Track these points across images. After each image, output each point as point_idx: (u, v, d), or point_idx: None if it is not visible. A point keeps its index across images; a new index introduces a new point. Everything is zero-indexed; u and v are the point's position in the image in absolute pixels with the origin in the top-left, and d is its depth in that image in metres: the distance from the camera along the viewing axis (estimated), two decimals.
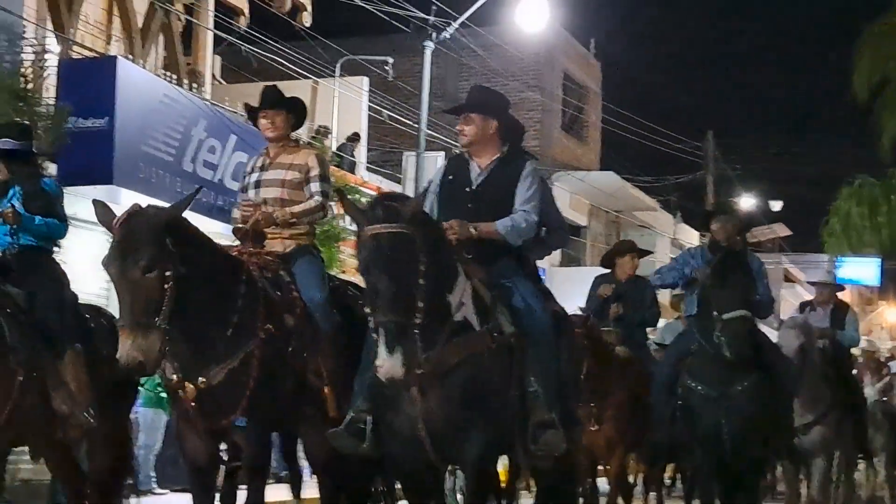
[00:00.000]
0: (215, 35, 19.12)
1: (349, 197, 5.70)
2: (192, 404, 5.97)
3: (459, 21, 20.28)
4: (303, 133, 19.52)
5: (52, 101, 13.63)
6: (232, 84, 20.85)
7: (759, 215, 31.76)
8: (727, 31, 65.97)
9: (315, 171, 6.75)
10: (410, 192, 17.62)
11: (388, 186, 20.02)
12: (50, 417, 6.60)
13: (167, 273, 5.57)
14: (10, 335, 6.41)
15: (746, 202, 30.89)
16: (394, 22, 20.23)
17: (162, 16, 17.59)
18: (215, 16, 18.94)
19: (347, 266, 14.84)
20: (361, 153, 21.20)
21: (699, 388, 8.05)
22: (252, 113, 6.99)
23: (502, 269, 6.03)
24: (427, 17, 20.08)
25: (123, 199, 11.53)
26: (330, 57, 20.97)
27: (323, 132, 19.15)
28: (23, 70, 13.45)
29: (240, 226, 6.70)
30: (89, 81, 14.01)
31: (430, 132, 20.47)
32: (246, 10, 19.31)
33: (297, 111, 6.95)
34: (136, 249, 5.51)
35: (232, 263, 6.22)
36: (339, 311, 6.59)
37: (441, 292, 5.43)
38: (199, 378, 5.91)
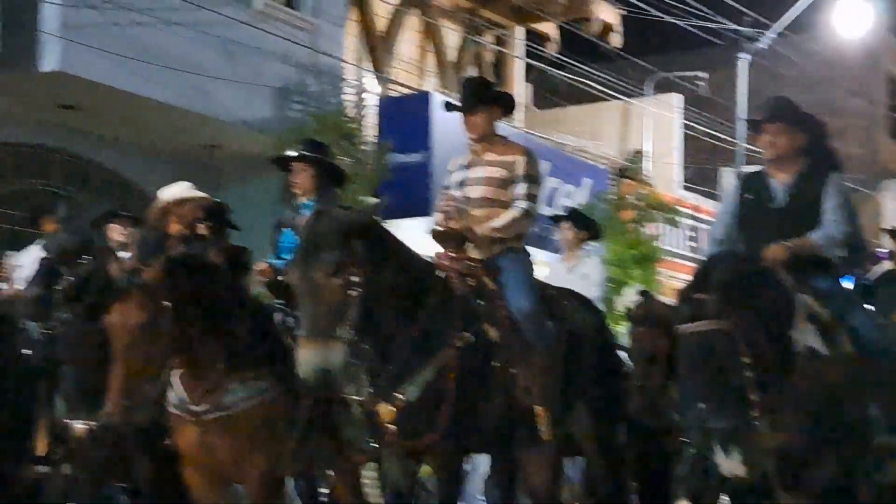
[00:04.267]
0: (526, 63, 19.33)
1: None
2: (390, 426, 5.46)
3: (775, 30, 19.63)
4: (614, 153, 19.51)
5: (372, 139, 14.15)
6: (543, 110, 20.99)
7: None
8: None
9: (521, 171, 6.05)
10: None
11: (706, 204, 19.58)
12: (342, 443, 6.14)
13: (353, 279, 5.13)
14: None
15: None
16: (705, 36, 19.81)
17: (473, 48, 17.95)
18: (525, 44, 19.16)
19: (666, 289, 14.54)
20: (676, 171, 20.84)
21: None
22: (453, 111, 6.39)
23: (825, 286, 5.66)
24: (740, 28, 19.55)
25: None
26: (640, 76, 20.75)
27: (637, 157, 18.97)
28: (345, 110, 14.04)
29: (439, 229, 6.05)
30: (406, 117, 14.45)
31: (748, 146, 19.87)
32: (555, 36, 19.42)
33: (502, 104, 6.25)
34: (320, 252, 5.11)
35: (427, 270, 5.72)
36: (555, 322, 6.07)
37: (773, 368, 5.09)
38: (396, 395, 5.40)
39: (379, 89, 15.76)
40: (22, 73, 11.42)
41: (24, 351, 7.17)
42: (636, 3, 18.60)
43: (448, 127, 14.37)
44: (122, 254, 8.06)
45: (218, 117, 12.67)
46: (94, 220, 8.68)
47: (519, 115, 18.45)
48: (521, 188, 6.02)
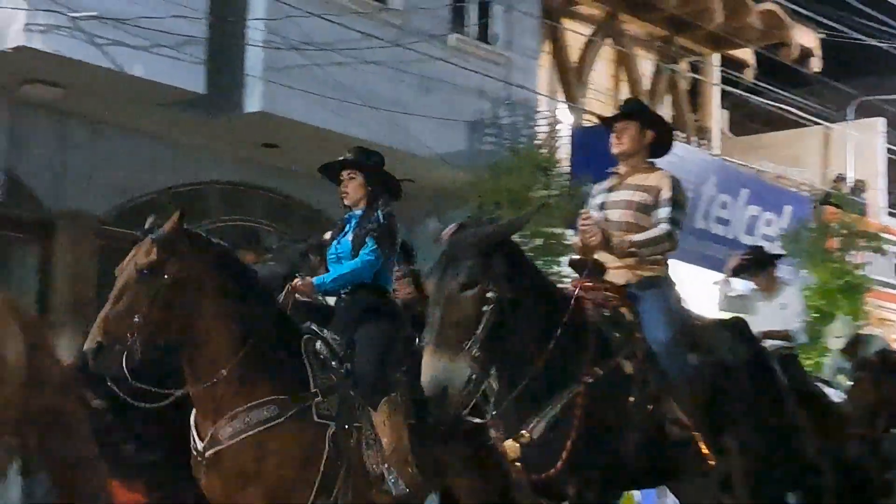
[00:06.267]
0: (722, 89, 19.02)
1: None
2: (516, 463, 5.25)
3: None
4: (816, 179, 18.97)
5: (565, 170, 14.10)
6: (740, 137, 20.59)
7: None
8: None
9: (666, 195, 5.71)
10: None
11: None
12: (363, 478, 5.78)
13: (488, 294, 4.95)
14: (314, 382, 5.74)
15: None
16: None
17: (667, 76, 17.77)
18: (721, 70, 18.87)
19: (873, 320, 14.00)
20: (882, 197, 20.10)
21: None
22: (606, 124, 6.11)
23: None
24: None
25: None
26: (841, 100, 20.13)
27: (842, 184, 18.41)
28: (539, 141, 14.05)
29: (575, 257, 5.80)
30: (600, 147, 14.31)
31: None
32: (752, 62, 19.06)
33: (654, 126, 5.91)
34: (458, 263, 4.96)
35: (561, 297, 5.45)
36: (700, 353, 5.70)
37: None
38: (521, 431, 5.18)
39: (572, 120, 15.74)
40: (227, 115, 11.85)
41: None
42: (835, 26, 18.10)
43: None
44: None
45: (413, 152, 12.84)
46: (300, 250, 8.92)
47: (716, 141, 18.16)
48: (664, 212, 5.69)
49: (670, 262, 5.86)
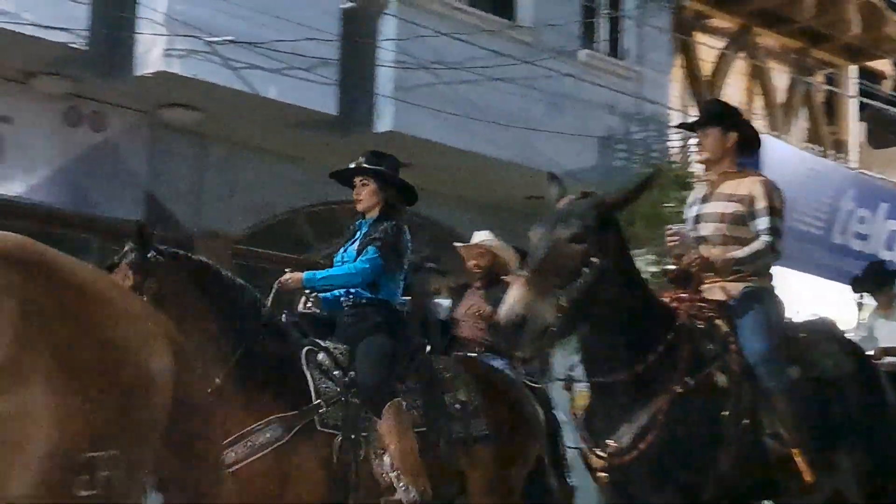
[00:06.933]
0: (859, 101, 18.58)
1: None
2: (601, 474, 5.14)
3: None
4: None
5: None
6: (879, 149, 20.06)
7: None
8: None
9: (762, 204, 5.47)
10: None
11: None
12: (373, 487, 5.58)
13: (592, 259, 4.83)
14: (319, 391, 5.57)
15: None
16: None
17: (803, 89, 17.43)
18: (858, 82, 18.43)
19: None
20: None
21: None
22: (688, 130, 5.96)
23: None
24: None
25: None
26: None
27: None
28: (671, 156, 13.91)
29: (670, 267, 5.63)
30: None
31: None
32: (890, 73, 18.59)
33: (737, 127, 5.71)
34: (570, 219, 4.89)
35: (657, 300, 5.33)
36: (800, 366, 5.46)
37: None
38: (608, 441, 5.06)
39: None
40: (358, 135, 11.99)
41: None
42: None
43: (778, 169, 13.97)
44: (439, 300, 8.33)
45: (543, 169, 12.76)
46: (414, 266, 8.99)
47: (853, 154, 17.72)
48: (762, 222, 5.47)
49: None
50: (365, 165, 6.10)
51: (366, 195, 6.02)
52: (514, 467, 6.11)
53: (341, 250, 6.07)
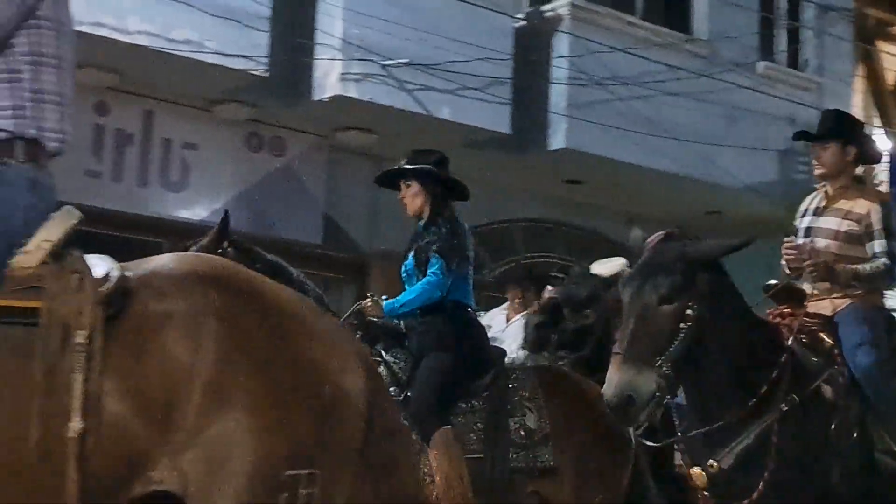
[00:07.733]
0: None
1: None
2: (704, 493, 4.99)
3: None
4: None
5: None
6: None
7: None
8: None
9: (878, 226, 5.31)
10: None
11: None
12: None
13: (688, 312, 4.73)
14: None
15: None
16: None
17: None
18: None
19: None
20: None
21: None
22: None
23: None
24: None
25: None
26: None
27: None
28: None
29: (773, 283, 5.44)
30: None
31: None
32: None
33: (858, 146, 5.53)
34: (657, 277, 4.75)
35: (760, 324, 5.17)
36: None
37: None
38: (709, 461, 4.90)
39: (890, 145, 15.02)
40: (532, 153, 11.99)
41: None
42: None
43: None
44: None
45: (720, 183, 12.60)
46: (605, 280, 8.91)
47: None
48: (879, 245, 5.31)
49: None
50: (405, 167, 5.90)
51: (409, 197, 5.85)
52: (598, 498, 5.77)
53: (405, 261, 5.89)
